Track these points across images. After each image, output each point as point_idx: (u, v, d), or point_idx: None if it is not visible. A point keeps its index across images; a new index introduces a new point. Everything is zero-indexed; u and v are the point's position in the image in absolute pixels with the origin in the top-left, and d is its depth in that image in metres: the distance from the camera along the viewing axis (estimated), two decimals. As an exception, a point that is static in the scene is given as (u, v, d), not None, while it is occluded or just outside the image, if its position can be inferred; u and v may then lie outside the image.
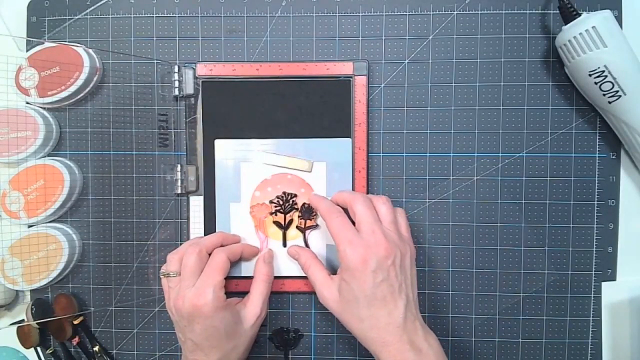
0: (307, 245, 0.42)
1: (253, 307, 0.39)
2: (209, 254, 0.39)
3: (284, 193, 0.42)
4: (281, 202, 0.42)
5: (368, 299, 0.34)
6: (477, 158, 0.42)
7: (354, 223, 0.37)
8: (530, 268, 0.42)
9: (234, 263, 0.41)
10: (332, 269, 0.41)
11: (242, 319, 0.38)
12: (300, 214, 0.42)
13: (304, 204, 0.42)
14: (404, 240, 0.36)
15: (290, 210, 0.42)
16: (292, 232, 0.43)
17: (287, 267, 0.43)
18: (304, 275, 0.42)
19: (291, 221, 0.42)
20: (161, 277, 0.39)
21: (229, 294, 0.38)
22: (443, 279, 0.43)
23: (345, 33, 0.43)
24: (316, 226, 0.42)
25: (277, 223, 0.43)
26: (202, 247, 0.38)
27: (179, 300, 0.37)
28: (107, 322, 0.44)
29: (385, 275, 0.34)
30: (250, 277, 0.41)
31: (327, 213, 0.38)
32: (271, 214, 0.42)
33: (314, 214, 0.42)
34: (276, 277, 0.42)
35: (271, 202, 0.42)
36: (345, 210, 0.38)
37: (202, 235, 0.43)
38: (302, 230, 0.42)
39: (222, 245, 0.40)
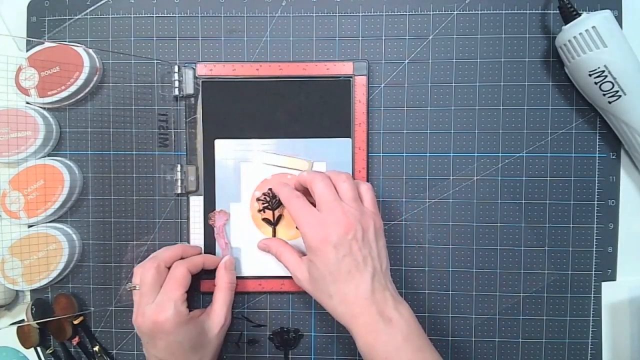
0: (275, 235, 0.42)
1: (217, 317, 0.39)
2: (168, 268, 0.39)
3: (270, 189, 0.42)
4: (268, 199, 0.42)
5: (333, 275, 0.35)
6: (477, 158, 0.42)
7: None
8: (530, 268, 0.42)
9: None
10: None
11: (207, 329, 0.38)
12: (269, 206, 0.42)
13: (268, 190, 0.42)
14: (366, 214, 0.36)
15: (278, 206, 0.42)
16: (293, 231, 0.43)
17: (282, 266, 0.42)
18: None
19: (280, 217, 0.42)
20: (127, 291, 0.39)
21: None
22: (443, 279, 0.43)
23: (345, 33, 0.43)
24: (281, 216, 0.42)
25: (266, 220, 0.42)
26: (160, 261, 0.38)
27: (139, 317, 0.36)
28: (107, 322, 0.44)
29: (347, 250, 0.34)
30: (252, 278, 0.41)
31: (287, 199, 0.38)
32: (259, 211, 0.42)
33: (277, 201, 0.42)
34: (276, 277, 0.42)
35: (258, 199, 0.42)
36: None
37: (202, 235, 0.43)
38: (273, 223, 0.42)
39: (182, 258, 0.40)
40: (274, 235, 0.43)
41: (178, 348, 0.36)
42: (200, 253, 0.42)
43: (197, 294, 0.43)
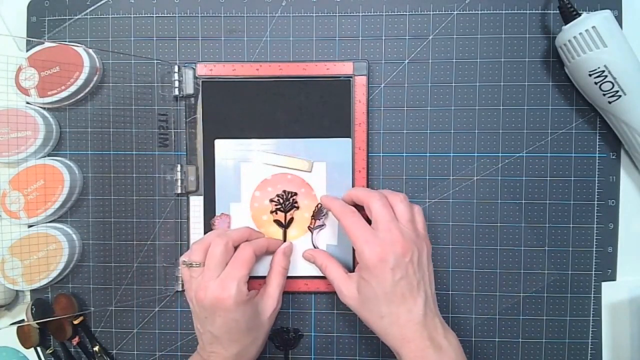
0: (313, 245, 0.42)
1: (270, 299, 0.39)
2: (235, 248, 0.39)
3: (284, 191, 0.42)
4: (281, 201, 0.42)
5: (387, 297, 0.34)
6: (477, 158, 0.42)
7: (369, 221, 0.37)
8: (530, 268, 0.42)
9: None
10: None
11: (261, 311, 0.38)
12: (312, 214, 0.42)
13: (318, 204, 0.42)
14: (420, 237, 0.37)
15: (291, 209, 0.42)
16: (293, 231, 0.43)
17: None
18: (304, 275, 0.43)
19: (291, 220, 0.42)
20: (182, 266, 0.39)
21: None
22: (443, 279, 0.43)
23: (345, 33, 0.43)
24: (322, 225, 0.42)
25: (277, 222, 0.43)
26: (230, 239, 0.38)
27: (201, 291, 0.36)
28: (107, 322, 0.44)
29: (403, 272, 0.34)
30: (260, 277, 0.41)
31: (341, 213, 0.37)
32: (271, 212, 0.42)
33: (324, 214, 0.42)
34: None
35: (271, 200, 0.42)
36: (359, 208, 0.38)
37: (202, 234, 0.43)
38: (311, 230, 0.42)
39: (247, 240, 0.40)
40: (284, 237, 0.42)
41: (235, 327, 0.36)
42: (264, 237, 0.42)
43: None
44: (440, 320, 0.36)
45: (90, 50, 0.42)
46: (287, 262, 0.41)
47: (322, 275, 0.42)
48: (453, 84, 0.42)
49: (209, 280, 0.36)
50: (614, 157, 0.42)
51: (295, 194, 0.42)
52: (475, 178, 0.42)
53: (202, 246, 0.38)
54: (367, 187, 0.42)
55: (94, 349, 0.43)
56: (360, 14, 0.43)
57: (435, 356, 0.33)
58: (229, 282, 0.36)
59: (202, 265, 0.37)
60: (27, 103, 0.43)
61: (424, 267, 0.36)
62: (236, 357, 0.37)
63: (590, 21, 0.37)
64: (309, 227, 0.42)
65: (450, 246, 0.43)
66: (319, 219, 0.42)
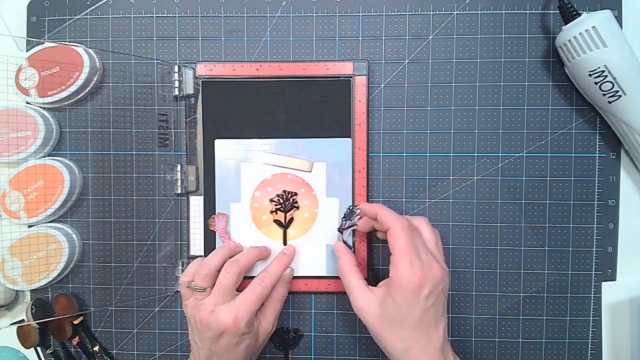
0: (346, 244, 0.41)
1: (267, 324, 0.40)
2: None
3: (284, 192, 0.42)
4: (281, 201, 0.42)
5: (415, 322, 0.34)
6: (477, 158, 0.42)
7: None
8: (530, 268, 0.42)
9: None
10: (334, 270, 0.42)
11: (258, 335, 0.39)
12: (343, 216, 0.42)
13: (349, 206, 0.42)
14: (446, 266, 0.36)
15: (291, 209, 0.42)
16: (293, 231, 0.43)
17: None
18: (303, 275, 0.43)
19: (291, 220, 0.42)
20: (183, 285, 0.39)
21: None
22: (443, 279, 0.43)
23: (345, 33, 0.43)
24: (354, 226, 0.41)
25: (277, 222, 0.43)
26: (242, 268, 0.39)
27: (208, 314, 0.37)
28: (107, 322, 0.44)
29: (434, 301, 0.34)
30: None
31: (395, 222, 0.35)
32: (271, 212, 0.42)
33: (356, 215, 0.41)
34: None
35: (271, 200, 0.42)
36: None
37: (202, 235, 0.43)
38: (341, 231, 0.42)
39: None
40: (285, 237, 0.42)
41: (235, 349, 0.37)
42: (270, 252, 0.43)
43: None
44: (451, 349, 0.36)
45: (90, 50, 0.42)
46: (286, 289, 0.41)
47: (322, 275, 0.42)
48: (453, 84, 0.42)
49: (218, 305, 0.37)
50: (614, 157, 0.42)
51: (295, 194, 0.42)
52: (475, 178, 0.42)
53: (208, 272, 0.38)
54: (367, 186, 0.42)
55: (94, 349, 0.43)
56: (360, 14, 0.43)
57: None
58: (241, 313, 0.36)
59: (208, 290, 0.38)
60: (27, 103, 0.43)
61: (446, 295, 0.36)
62: None
63: (590, 21, 0.37)
64: (339, 228, 0.42)
65: (450, 246, 0.43)
66: (351, 220, 0.41)
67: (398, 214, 0.36)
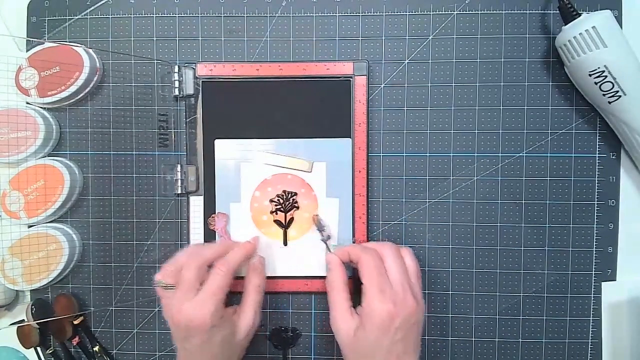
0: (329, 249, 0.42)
1: (246, 318, 0.38)
2: (209, 266, 0.38)
3: (284, 192, 0.42)
4: (281, 201, 0.42)
5: (383, 354, 0.34)
6: (477, 158, 0.42)
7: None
8: (530, 268, 0.42)
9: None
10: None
11: (237, 331, 0.38)
12: (317, 229, 0.42)
13: (314, 215, 0.42)
14: (420, 299, 0.36)
15: (291, 209, 0.42)
16: (293, 231, 0.43)
17: (286, 267, 0.43)
18: (303, 275, 0.43)
19: (291, 220, 0.42)
20: (156, 285, 0.38)
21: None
22: (443, 279, 0.43)
23: (345, 33, 0.43)
24: (329, 237, 0.42)
25: (277, 222, 0.42)
26: (203, 260, 0.37)
27: (175, 312, 0.36)
28: (107, 322, 0.44)
29: (405, 334, 0.34)
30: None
31: (363, 250, 0.36)
32: (271, 212, 0.42)
33: (326, 225, 0.42)
34: (275, 277, 0.42)
35: (271, 201, 0.42)
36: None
37: (202, 235, 0.43)
38: (325, 241, 0.42)
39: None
40: (285, 237, 0.42)
41: (210, 347, 0.36)
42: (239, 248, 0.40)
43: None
44: None
45: (90, 50, 0.42)
46: (259, 278, 0.40)
47: (322, 275, 0.42)
48: (453, 84, 0.42)
49: (184, 302, 0.36)
50: (614, 157, 0.42)
51: (295, 194, 0.42)
52: (475, 178, 0.42)
53: (174, 268, 0.37)
54: (367, 186, 0.42)
55: (94, 349, 0.43)
56: (360, 14, 0.43)
57: None
58: (205, 307, 0.35)
59: (174, 287, 0.37)
60: (27, 103, 0.43)
61: (420, 328, 0.35)
62: None
63: (590, 21, 0.37)
64: (321, 239, 0.42)
65: (450, 246, 0.43)
66: (323, 231, 0.42)
67: (368, 248, 0.37)
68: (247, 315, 0.38)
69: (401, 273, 0.35)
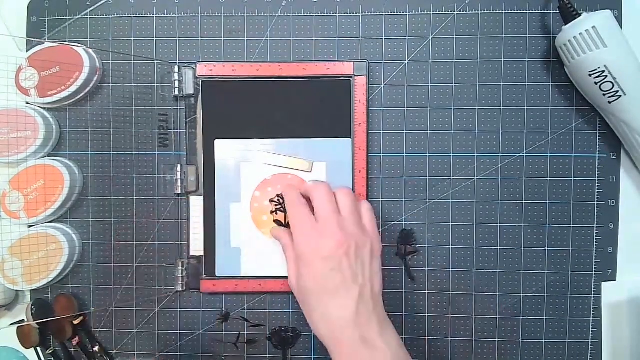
0: (409, 274, 0.42)
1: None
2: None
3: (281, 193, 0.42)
4: (281, 201, 0.42)
5: (318, 288, 0.34)
6: (477, 158, 0.42)
7: None
8: (530, 268, 0.42)
9: (233, 263, 0.42)
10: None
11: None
12: (399, 239, 0.42)
13: (403, 230, 0.42)
14: (364, 232, 0.36)
15: None
16: (292, 232, 0.43)
17: (286, 267, 0.43)
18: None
19: None
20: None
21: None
22: (443, 279, 0.43)
23: (345, 33, 0.43)
24: (416, 252, 0.42)
25: (277, 222, 0.42)
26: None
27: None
28: (107, 322, 0.44)
29: (336, 264, 0.34)
30: (251, 278, 0.42)
31: (290, 203, 0.38)
32: (271, 212, 0.42)
33: (413, 239, 0.42)
34: (276, 278, 0.42)
35: (271, 201, 0.42)
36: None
37: (202, 235, 0.42)
38: (403, 256, 0.42)
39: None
40: None
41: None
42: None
43: (198, 293, 0.43)
44: (378, 319, 0.33)
45: (90, 50, 0.42)
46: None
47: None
48: (453, 84, 0.42)
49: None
50: (614, 157, 0.42)
51: (295, 194, 0.42)
52: (475, 178, 0.42)
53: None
54: (367, 186, 0.42)
55: (94, 349, 0.43)
56: (360, 14, 0.43)
57: (369, 357, 0.32)
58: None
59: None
60: (27, 103, 0.43)
61: (363, 261, 0.35)
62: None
63: (590, 21, 0.37)
64: (396, 253, 0.42)
65: (450, 246, 0.43)
66: (409, 244, 0.42)
67: (316, 184, 0.38)
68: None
69: (324, 207, 0.36)
